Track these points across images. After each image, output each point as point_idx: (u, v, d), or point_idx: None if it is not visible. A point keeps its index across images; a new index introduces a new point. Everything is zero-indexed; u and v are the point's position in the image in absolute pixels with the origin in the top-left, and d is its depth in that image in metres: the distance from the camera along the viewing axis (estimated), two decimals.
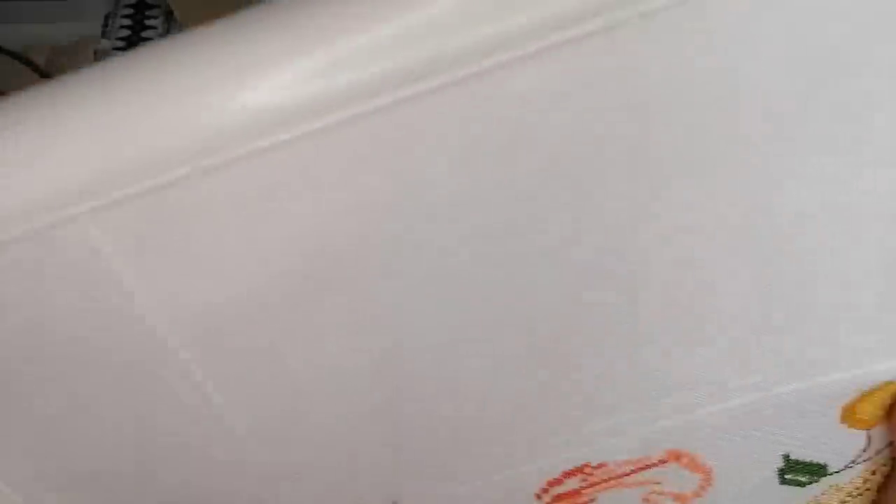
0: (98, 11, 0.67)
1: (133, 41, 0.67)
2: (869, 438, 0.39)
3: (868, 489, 0.43)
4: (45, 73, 0.61)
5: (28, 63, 0.61)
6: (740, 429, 0.38)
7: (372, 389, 0.32)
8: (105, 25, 0.67)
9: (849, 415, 0.38)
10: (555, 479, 0.38)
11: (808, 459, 0.40)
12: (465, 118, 0.25)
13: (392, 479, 0.36)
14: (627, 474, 0.38)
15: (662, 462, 0.38)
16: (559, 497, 0.39)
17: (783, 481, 0.41)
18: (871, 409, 0.38)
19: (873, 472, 0.42)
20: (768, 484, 0.41)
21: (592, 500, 0.39)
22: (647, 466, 0.38)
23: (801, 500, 0.43)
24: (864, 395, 0.38)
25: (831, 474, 0.41)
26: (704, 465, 0.39)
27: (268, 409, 0.32)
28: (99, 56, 0.65)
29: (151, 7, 0.68)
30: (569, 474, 0.38)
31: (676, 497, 0.40)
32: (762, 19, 0.25)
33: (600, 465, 0.38)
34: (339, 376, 0.31)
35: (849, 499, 0.43)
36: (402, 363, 0.32)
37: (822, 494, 0.43)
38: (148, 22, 0.67)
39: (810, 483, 0.41)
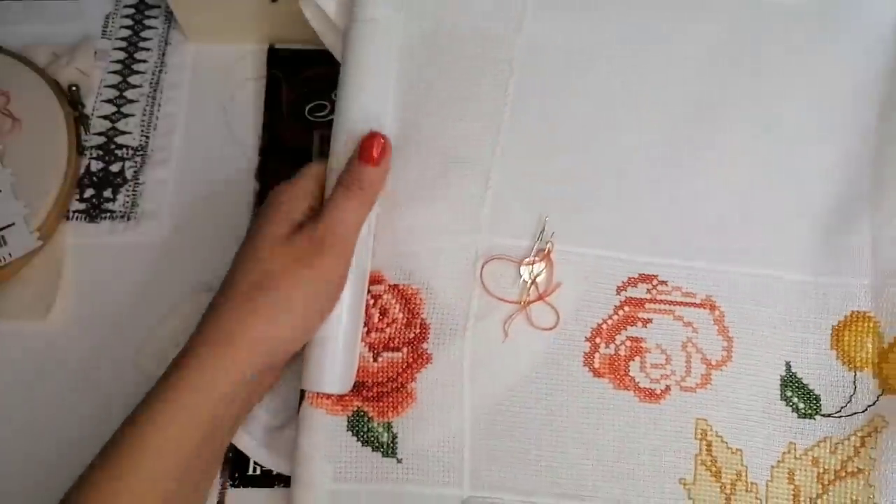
0: (98, 12, 0.65)
1: (133, 41, 0.64)
2: (855, 385, 0.47)
3: (859, 470, 0.44)
4: (45, 74, 0.60)
5: (28, 63, 0.60)
6: (757, 298, 0.48)
7: None
8: (105, 26, 0.64)
9: (836, 340, 0.47)
10: (634, 277, 0.49)
11: (804, 381, 0.47)
12: None
13: None
14: (677, 303, 0.48)
15: (701, 305, 0.48)
16: (630, 301, 0.48)
17: (782, 397, 0.47)
18: (853, 342, 0.47)
19: (862, 442, 0.45)
20: (770, 394, 0.47)
21: (650, 321, 0.48)
22: (691, 304, 0.48)
23: (795, 437, 0.46)
24: (848, 322, 0.47)
25: (825, 416, 0.47)
26: (728, 330, 0.48)
27: None
28: (99, 56, 0.63)
29: (151, 7, 0.66)
30: (643, 278, 0.49)
31: (703, 360, 0.48)
32: None
33: (663, 282, 0.49)
34: None
35: (842, 475, 0.45)
36: None
37: (816, 446, 0.45)
38: (148, 22, 0.65)
39: (805, 416, 0.47)
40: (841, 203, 0.49)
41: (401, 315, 0.48)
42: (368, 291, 0.48)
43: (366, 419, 0.46)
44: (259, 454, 0.50)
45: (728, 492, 0.46)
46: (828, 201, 0.49)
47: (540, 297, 0.48)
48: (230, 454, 0.51)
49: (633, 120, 0.50)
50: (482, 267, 0.48)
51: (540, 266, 0.48)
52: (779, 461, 0.46)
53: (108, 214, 0.58)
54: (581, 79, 0.51)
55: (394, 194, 0.49)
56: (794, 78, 0.51)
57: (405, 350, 0.47)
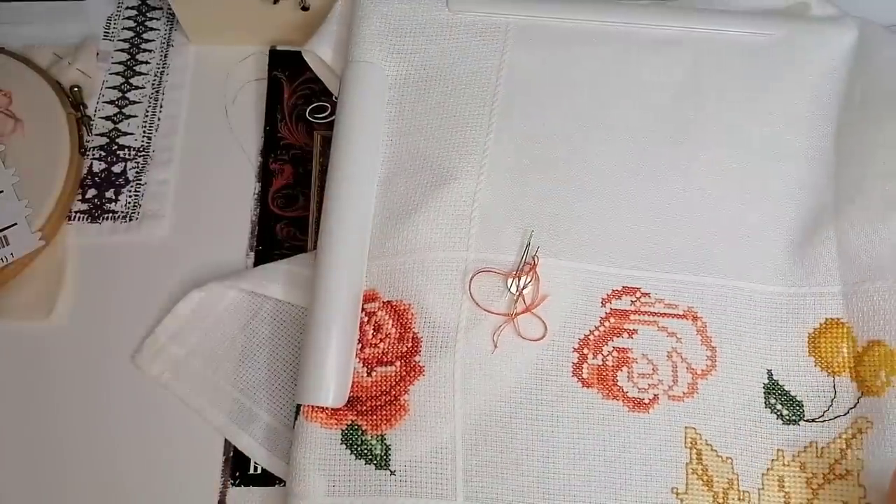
0: (100, 13, 0.64)
1: (135, 43, 0.64)
2: (835, 389, 0.48)
3: (847, 472, 0.45)
4: (46, 74, 0.59)
5: (30, 64, 0.59)
6: (736, 309, 0.49)
7: None
8: (107, 27, 0.64)
9: (813, 347, 0.49)
10: (618, 289, 0.50)
11: (786, 388, 0.48)
12: None
13: None
14: (660, 314, 0.49)
15: (683, 316, 0.49)
16: (615, 312, 0.49)
17: (767, 404, 0.48)
18: (829, 348, 0.48)
19: (848, 445, 0.45)
20: (755, 401, 0.48)
21: (635, 331, 0.49)
22: (674, 315, 0.49)
23: (782, 444, 0.46)
24: (823, 329, 0.49)
25: (809, 421, 0.47)
26: (711, 340, 0.49)
27: None
28: (101, 57, 0.62)
29: (153, 9, 0.65)
30: (627, 290, 0.50)
31: (689, 369, 0.49)
32: None
33: (646, 294, 0.50)
34: None
35: (831, 478, 0.46)
36: None
37: (803, 452, 0.46)
38: (150, 24, 0.65)
39: (790, 422, 0.47)
40: (807, 216, 0.51)
41: (393, 330, 0.48)
42: (363, 309, 0.49)
43: (359, 432, 0.46)
44: (259, 454, 0.50)
45: (721, 500, 0.46)
46: (796, 215, 0.51)
47: (527, 309, 0.48)
48: (231, 454, 0.51)
49: (612, 141, 0.52)
50: (470, 280, 0.48)
51: (526, 279, 0.48)
52: (768, 468, 0.47)
53: (110, 215, 0.58)
54: (560, 104, 0.53)
55: (386, 216, 0.51)
56: (758, 103, 0.53)
57: (398, 364, 0.47)
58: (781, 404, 0.48)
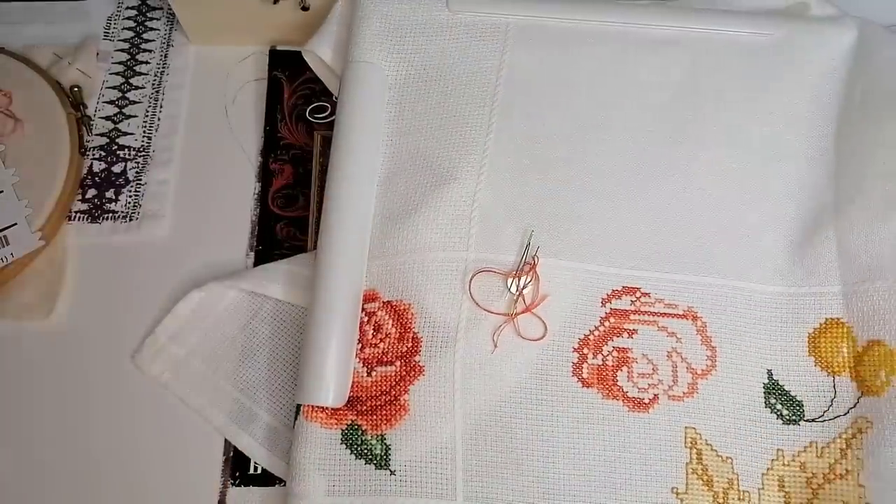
0: (100, 13, 0.64)
1: (135, 43, 0.64)
2: (835, 389, 0.48)
3: (847, 472, 0.45)
4: (46, 74, 0.59)
5: (30, 64, 0.59)
6: (736, 308, 0.49)
7: None
8: (107, 27, 0.64)
9: (813, 347, 0.49)
10: (618, 289, 0.50)
11: (786, 387, 0.48)
12: None
13: None
14: (660, 314, 0.49)
15: (683, 316, 0.49)
16: (615, 312, 0.49)
17: (767, 404, 0.48)
18: (829, 348, 0.48)
19: (848, 444, 0.45)
20: (755, 401, 0.48)
21: (635, 331, 0.49)
22: (674, 315, 0.49)
23: (782, 444, 0.46)
24: (823, 329, 0.49)
25: (809, 421, 0.48)
26: (711, 340, 0.49)
27: None
28: (101, 57, 0.62)
29: (154, 9, 0.65)
30: (627, 290, 0.50)
31: (689, 369, 0.49)
32: None
33: (646, 294, 0.50)
34: None
35: (831, 478, 0.46)
36: None
37: (803, 451, 0.46)
38: (150, 24, 0.65)
39: (790, 422, 0.47)
40: (807, 216, 0.51)
41: (393, 330, 0.48)
42: (363, 309, 0.49)
43: (359, 432, 0.46)
44: (259, 454, 0.50)
45: (721, 500, 0.46)
46: (796, 215, 0.51)
47: (527, 309, 0.48)
48: (231, 454, 0.51)
49: (612, 141, 0.52)
50: (470, 280, 0.48)
51: (526, 279, 0.48)
52: (768, 468, 0.47)
53: (110, 215, 0.58)
54: (559, 104, 0.53)
55: (386, 216, 0.51)
56: (758, 103, 0.53)
57: (398, 363, 0.47)
58: (782, 404, 0.48)
